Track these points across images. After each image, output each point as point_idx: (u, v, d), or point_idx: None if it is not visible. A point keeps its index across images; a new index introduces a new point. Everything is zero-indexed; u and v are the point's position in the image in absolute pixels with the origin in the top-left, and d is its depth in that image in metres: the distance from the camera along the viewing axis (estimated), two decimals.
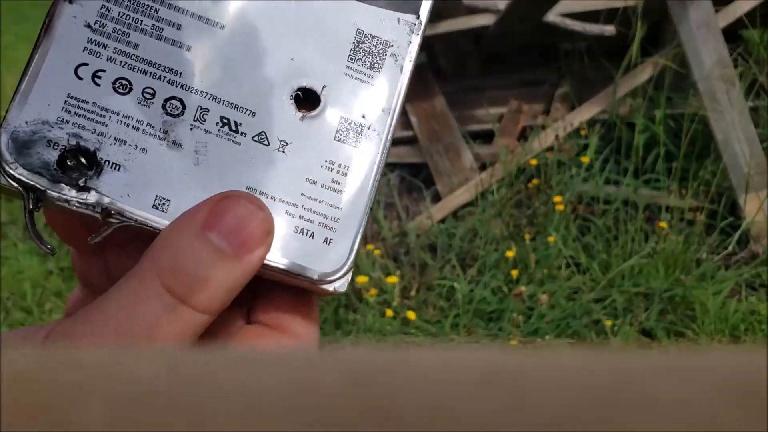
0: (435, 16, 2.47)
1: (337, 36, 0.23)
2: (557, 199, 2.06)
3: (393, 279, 1.83)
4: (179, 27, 0.21)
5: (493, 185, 2.25)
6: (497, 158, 2.34)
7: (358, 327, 1.75)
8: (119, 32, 0.21)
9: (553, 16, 2.48)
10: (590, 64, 2.53)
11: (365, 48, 0.23)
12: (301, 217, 0.22)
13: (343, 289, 0.23)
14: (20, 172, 0.20)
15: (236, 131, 0.22)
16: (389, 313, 1.77)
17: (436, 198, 2.37)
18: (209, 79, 0.22)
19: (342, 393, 0.10)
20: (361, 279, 1.83)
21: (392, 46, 0.23)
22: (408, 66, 0.23)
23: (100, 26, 0.21)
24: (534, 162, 2.23)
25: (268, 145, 0.22)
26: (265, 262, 0.21)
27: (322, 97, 0.23)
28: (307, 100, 0.23)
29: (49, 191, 0.20)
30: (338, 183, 0.22)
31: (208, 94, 0.22)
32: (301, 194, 0.22)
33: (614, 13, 2.37)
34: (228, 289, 0.19)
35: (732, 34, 2.69)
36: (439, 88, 2.74)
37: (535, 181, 2.19)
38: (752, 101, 2.28)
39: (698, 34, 2.10)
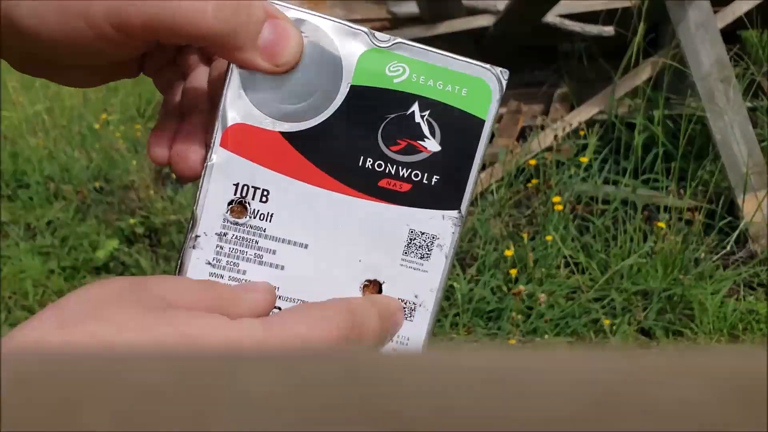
0: (434, 17, 2.47)
1: (394, 237, 0.28)
2: (556, 199, 2.07)
3: None
4: (274, 252, 0.27)
5: (493, 185, 2.25)
6: (497, 158, 2.34)
7: None
8: (231, 263, 0.27)
9: (552, 17, 2.49)
10: (589, 65, 2.54)
11: (416, 243, 0.28)
12: None
13: None
14: None
15: None
16: None
17: None
18: (300, 286, 0.28)
19: (342, 393, 0.10)
20: None
21: (438, 238, 0.28)
22: (451, 252, 0.29)
23: (216, 261, 0.27)
24: (533, 162, 2.24)
25: None
26: None
27: (383, 287, 0.28)
28: (373, 287, 0.28)
29: None
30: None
31: (299, 300, 0.28)
32: None
33: (613, 14, 2.38)
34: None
35: (730, 35, 2.69)
36: None
37: (534, 181, 2.20)
38: (750, 101, 2.28)
39: (697, 35, 2.10)
